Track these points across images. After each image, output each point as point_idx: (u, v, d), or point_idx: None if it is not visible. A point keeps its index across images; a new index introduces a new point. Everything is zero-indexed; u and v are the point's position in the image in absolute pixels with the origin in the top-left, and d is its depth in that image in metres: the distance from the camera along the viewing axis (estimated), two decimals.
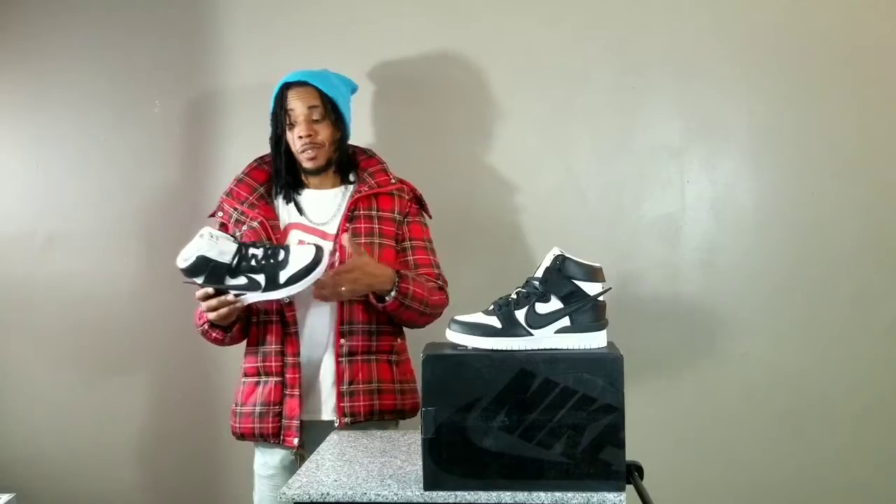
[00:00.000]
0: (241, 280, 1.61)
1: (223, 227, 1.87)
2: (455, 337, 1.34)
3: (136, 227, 2.40)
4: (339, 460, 1.48)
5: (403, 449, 1.55)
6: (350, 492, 1.29)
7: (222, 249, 1.58)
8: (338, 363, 1.81)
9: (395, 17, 2.33)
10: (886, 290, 2.25)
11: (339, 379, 1.80)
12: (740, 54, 2.26)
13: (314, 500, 1.29)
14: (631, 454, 1.31)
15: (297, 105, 1.83)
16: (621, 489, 1.28)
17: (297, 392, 1.79)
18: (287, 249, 1.64)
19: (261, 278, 1.61)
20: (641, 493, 1.33)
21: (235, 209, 1.85)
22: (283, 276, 1.61)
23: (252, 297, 1.64)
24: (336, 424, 1.80)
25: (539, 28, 2.30)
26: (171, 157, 2.39)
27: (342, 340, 1.81)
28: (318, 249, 1.65)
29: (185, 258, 1.58)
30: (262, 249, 1.62)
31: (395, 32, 2.33)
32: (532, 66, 2.31)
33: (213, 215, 1.92)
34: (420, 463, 1.30)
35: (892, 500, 2.26)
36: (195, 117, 2.39)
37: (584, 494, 1.27)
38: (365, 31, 2.33)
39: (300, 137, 1.82)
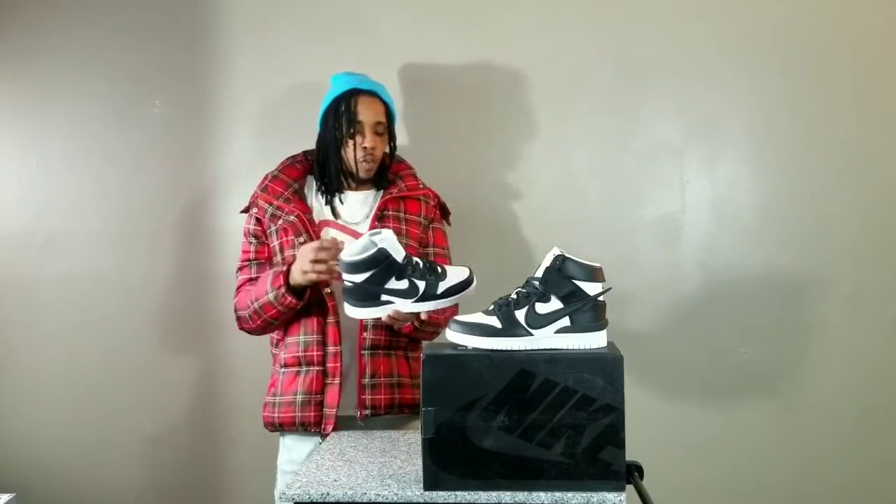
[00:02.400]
0: (403, 284, 1.59)
1: (258, 222, 1.89)
2: (455, 337, 1.34)
3: (136, 227, 2.39)
4: (339, 460, 1.48)
5: (403, 449, 1.55)
6: (350, 492, 1.29)
7: (399, 250, 1.58)
8: (360, 356, 1.83)
9: (395, 20, 2.33)
10: (886, 290, 2.25)
11: (360, 372, 1.83)
12: (740, 54, 2.26)
13: (314, 500, 1.29)
14: (631, 454, 1.31)
15: (368, 116, 1.88)
16: (621, 489, 1.28)
17: (337, 381, 1.81)
18: (441, 266, 1.63)
19: (421, 285, 1.59)
20: (641, 493, 1.33)
21: (271, 204, 1.87)
22: (442, 286, 1.59)
23: (399, 305, 1.61)
24: (357, 417, 1.82)
25: (539, 28, 2.30)
26: (171, 157, 2.39)
27: (365, 334, 1.83)
28: (470, 271, 1.64)
29: (363, 249, 1.57)
30: (420, 261, 1.61)
31: (394, 35, 2.33)
32: (532, 66, 2.31)
33: (245, 211, 1.93)
34: (420, 463, 1.30)
35: (892, 500, 2.26)
36: (195, 118, 2.39)
37: (584, 494, 1.27)
38: (364, 33, 2.33)
39: (364, 148, 1.87)
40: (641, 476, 1.39)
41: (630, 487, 1.33)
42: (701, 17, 2.27)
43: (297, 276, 1.73)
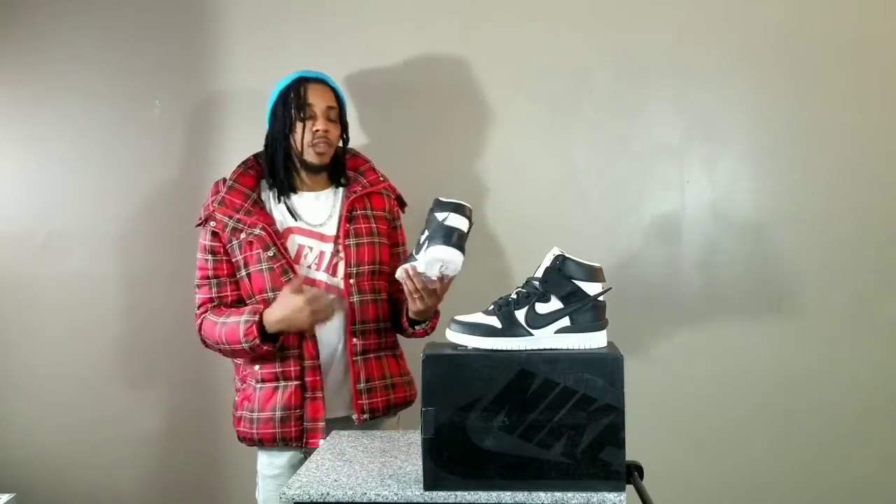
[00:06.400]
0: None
1: (215, 236, 1.84)
2: (455, 337, 1.34)
3: (136, 227, 2.39)
4: (339, 460, 1.48)
5: (403, 449, 1.55)
6: (350, 492, 1.29)
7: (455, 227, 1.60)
8: (352, 362, 1.83)
9: (394, 20, 2.33)
10: (886, 290, 2.25)
11: (354, 378, 1.83)
12: (740, 54, 2.26)
13: (314, 500, 1.29)
14: (631, 454, 1.31)
15: (318, 101, 1.85)
16: (621, 489, 1.28)
17: (319, 395, 1.80)
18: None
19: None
20: (641, 493, 1.33)
21: (231, 218, 1.82)
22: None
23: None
24: (355, 422, 1.83)
25: (539, 28, 2.30)
26: (171, 157, 2.39)
27: (355, 340, 1.83)
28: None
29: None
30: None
31: (394, 35, 2.33)
32: (532, 66, 2.31)
33: (201, 224, 1.87)
34: (420, 463, 1.30)
35: (892, 500, 2.26)
36: (195, 117, 2.39)
37: (584, 494, 1.27)
38: (365, 34, 2.33)
39: (316, 131, 1.84)
40: (641, 476, 1.39)
41: (630, 487, 1.33)
42: (701, 17, 2.27)
43: (273, 325, 1.72)
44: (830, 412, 2.26)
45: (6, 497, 2.13)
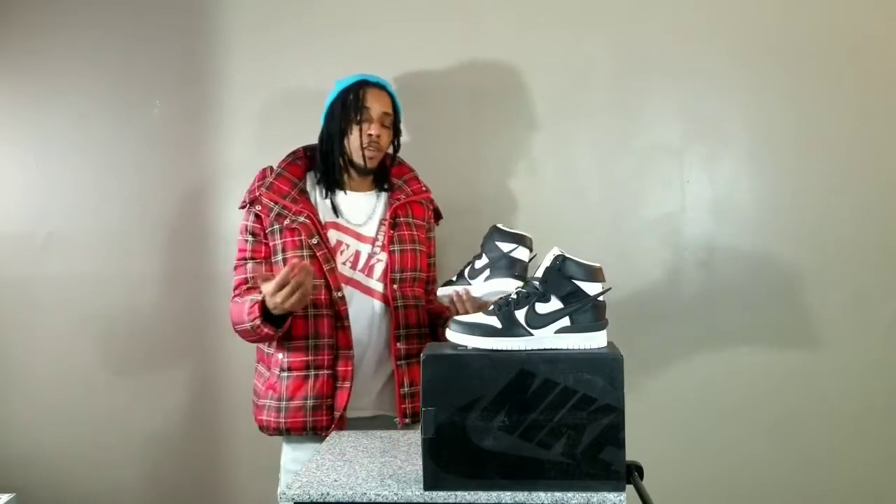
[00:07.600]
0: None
1: (258, 219, 1.85)
2: (455, 337, 1.34)
3: (136, 227, 2.39)
4: (339, 460, 1.48)
5: (403, 449, 1.55)
6: (350, 492, 1.29)
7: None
8: (397, 366, 1.84)
9: (394, 20, 2.33)
10: (886, 290, 2.25)
11: (398, 381, 1.84)
12: (740, 54, 2.26)
13: (314, 500, 1.29)
14: (631, 454, 1.31)
15: (376, 105, 1.89)
16: (621, 489, 1.28)
17: (347, 385, 1.80)
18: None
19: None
20: (641, 493, 1.33)
21: (276, 203, 1.84)
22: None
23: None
24: (397, 424, 1.84)
25: (539, 28, 2.30)
26: (170, 157, 2.39)
27: (398, 344, 1.85)
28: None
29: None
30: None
31: (394, 35, 2.33)
32: (532, 65, 2.31)
33: (244, 207, 1.89)
34: (420, 463, 1.30)
35: (892, 500, 2.26)
36: (195, 118, 2.39)
37: (584, 494, 1.27)
38: (364, 34, 2.33)
39: (369, 135, 1.87)
40: (641, 476, 1.39)
41: (630, 487, 1.33)
42: (701, 17, 2.27)
43: (273, 309, 1.67)
44: (830, 412, 2.26)
45: (6, 497, 2.13)
